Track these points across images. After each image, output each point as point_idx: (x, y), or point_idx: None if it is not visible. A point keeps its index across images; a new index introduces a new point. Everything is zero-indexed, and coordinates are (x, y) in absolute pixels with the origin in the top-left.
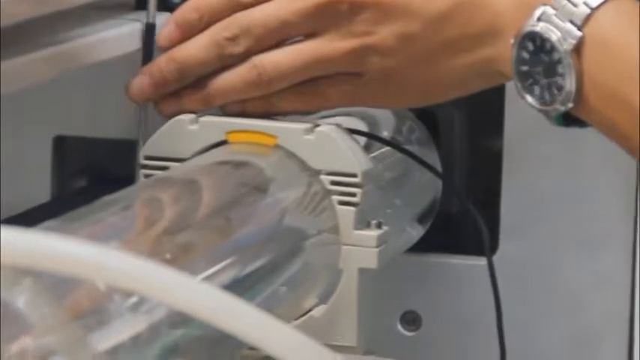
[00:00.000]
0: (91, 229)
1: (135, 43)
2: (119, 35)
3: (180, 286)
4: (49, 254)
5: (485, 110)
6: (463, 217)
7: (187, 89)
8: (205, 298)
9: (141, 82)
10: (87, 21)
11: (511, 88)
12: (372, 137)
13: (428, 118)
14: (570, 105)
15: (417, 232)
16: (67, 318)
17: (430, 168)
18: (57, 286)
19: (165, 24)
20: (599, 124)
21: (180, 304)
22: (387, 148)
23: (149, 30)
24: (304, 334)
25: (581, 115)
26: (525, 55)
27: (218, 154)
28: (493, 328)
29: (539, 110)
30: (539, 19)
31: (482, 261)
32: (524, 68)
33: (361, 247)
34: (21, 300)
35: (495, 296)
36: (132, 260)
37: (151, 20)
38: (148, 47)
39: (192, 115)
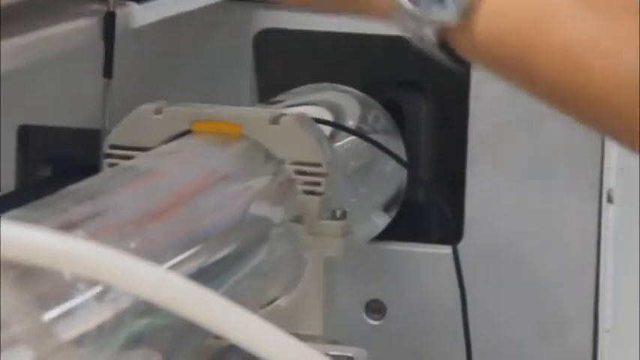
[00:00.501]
0: (56, 219)
1: (98, 34)
2: (82, 26)
3: (145, 274)
4: (14, 243)
5: (450, 99)
6: (428, 205)
7: None
8: (170, 286)
9: None
10: (50, 11)
11: (477, 77)
12: (338, 127)
13: (393, 107)
14: (454, 18)
15: (382, 220)
16: (32, 307)
17: (395, 157)
18: (21, 275)
19: None
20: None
21: (145, 293)
22: (352, 138)
23: (109, 19)
24: (270, 322)
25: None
26: None
27: (182, 143)
28: (458, 316)
29: (413, 23)
30: None
31: (447, 249)
32: None
33: (326, 237)
34: None
35: (460, 284)
36: (97, 249)
37: (111, 9)
38: (109, 36)
39: (158, 105)
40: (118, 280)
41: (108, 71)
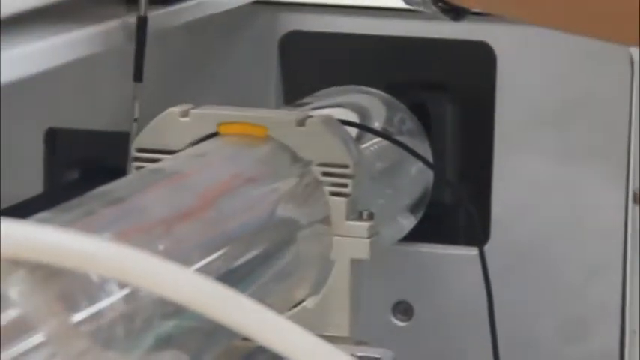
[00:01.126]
0: (84, 221)
1: (126, 37)
2: (111, 28)
3: (174, 276)
4: (43, 245)
5: (476, 100)
6: (455, 207)
7: None
8: (198, 288)
9: None
10: (79, 14)
11: (503, 77)
12: (364, 128)
13: (419, 109)
14: None
15: (409, 222)
16: (60, 309)
17: (421, 158)
18: (51, 277)
19: None
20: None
21: (173, 295)
22: (378, 139)
23: (141, 23)
24: (297, 323)
25: None
26: None
27: (209, 145)
28: (485, 317)
29: None
30: None
31: (474, 251)
32: None
33: (353, 238)
34: (15, 291)
35: (487, 286)
36: (125, 251)
37: (143, 14)
38: (141, 40)
39: (184, 107)
40: (145, 282)
41: (138, 75)
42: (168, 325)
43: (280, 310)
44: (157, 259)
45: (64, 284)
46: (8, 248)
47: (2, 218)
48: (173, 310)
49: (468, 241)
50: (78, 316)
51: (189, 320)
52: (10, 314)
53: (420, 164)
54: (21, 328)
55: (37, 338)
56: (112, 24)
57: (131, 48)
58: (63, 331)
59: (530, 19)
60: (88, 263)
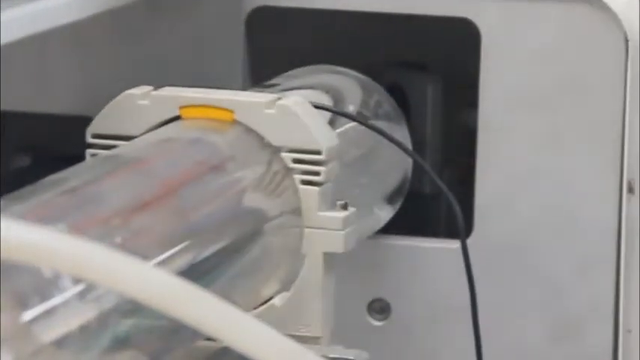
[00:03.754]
0: (36, 211)
1: (86, 10)
2: (68, 2)
3: (132, 271)
4: None
5: (459, 83)
6: (435, 197)
7: None
8: (158, 284)
9: None
10: None
11: (487, 56)
12: (337, 112)
13: (397, 91)
14: None
15: (385, 213)
16: (10, 306)
17: (398, 144)
18: None
19: None
20: None
21: (131, 291)
22: (353, 124)
23: None
24: (265, 323)
25: None
26: None
27: (170, 130)
28: (468, 315)
29: None
30: None
31: (455, 244)
32: None
33: (326, 230)
34: None
35: (469, 281)
36: (79, 243)
37: None
38: None
39: (144, 90)
40: (102, 277)
41: None
42: (126, 324)
43: (247, 307)
44: (114, 252)
45: (14, 280)
46: None
47: None
48: (131, 307)
49: (450, 234)
50: (29, 314)
51: (148, 319)
52: None
53: (399, 151)
54: None
55: None
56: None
57: (84, 23)
58: (14, 330)
59: None
60: (40, 257)
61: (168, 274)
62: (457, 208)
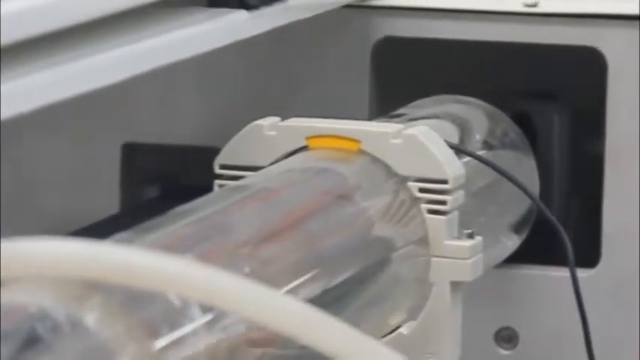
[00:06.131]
0: (165, 241)
1: (214, 42)
2: (196, 34)
3: (262, 299)
4: (122, 267)
5: (586, 112)
6: (563, 226)
7: None
8: (288, 312)
9: None
10: (160, 19)
11: (614, 85)
12: (457, 149)
13: (524, 120)
14: None
15: (512, 242)
16: (141, 336)
17: (514, 182)
18: (129, 302)
19: None
20: None
21: (263, 319)
22: (480, 152)
23: None
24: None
25: None
26: None
27: (298, 160)
28: (596, 346)
29: None
30: None
31: (583, 273)
32: None
33: (453, 259)
34: (91, 317)
35: (581, 313)
36: (209, 272)
37: None
38: None
39: (271, 120)
40: (231, 306)
41: None
42: (254, 354)
43: (375, 336)
44: (242, 280)
45: (144, 309)
46: (78, 269)
47: (71, 238)
48: (259, 337)
49: (578, 263)
50: (160, 343)
51: (277, 348)
52: (88, 342)
53: (526, 178)
54: (99, 356)
55: None
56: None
57: (211, 55)
58: (145, 358)
59: None
60: (170, 285)
61: (297, 302)
62: (565, 238)
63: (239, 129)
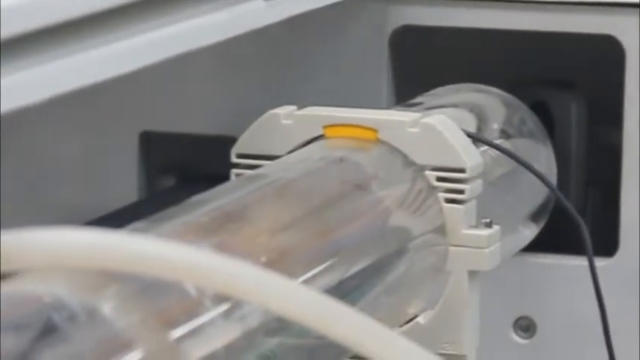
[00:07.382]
0: (181, 231)
1: (230, 31)
2: (213, 23)
3: (279, 288)
4: (139, 256)
5: (603, 101)
6: (581, 215)
7: None
8: (307, 301)
9: None
10: (176, 8)
11: (632, 74)
12: (476, 138)
13: (541, 109)
14: None
15: (530, 231)
16: (157, 325)
17: (532, 170)
18: (145, 292)
19: None
20: None
21: (279, 309)
22: (497, 141)
23: None
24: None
25: None
26: None
27: (314, 149)
28: (613, 334)
29: None
30: None
31: (601, 262)
32: None
33: (470, 248)
34: (108, 306)
35: (599, 302)
36: (226, 262)
37: None
38: None
39: (287, 109)
40: (247, 295)
41: None
42: (270, 343)
43: (392, 325)
44: (261, 270)
45: (160, 299)
46: (94, 259)
47: (88, 227)
48: (276, 326)
49: (596, 252)
50: (176, 333)
51: (293, 337)
52: (104, 331)
53: (544, 167)
54: (116, 346)
55: (134, 356)
56: (218, 16)
57: (228, 44)
58: (161, 349)
59: None
60: (187, 274)
61: (315, 292)
62: (583, 227)
63: (255, 118)
